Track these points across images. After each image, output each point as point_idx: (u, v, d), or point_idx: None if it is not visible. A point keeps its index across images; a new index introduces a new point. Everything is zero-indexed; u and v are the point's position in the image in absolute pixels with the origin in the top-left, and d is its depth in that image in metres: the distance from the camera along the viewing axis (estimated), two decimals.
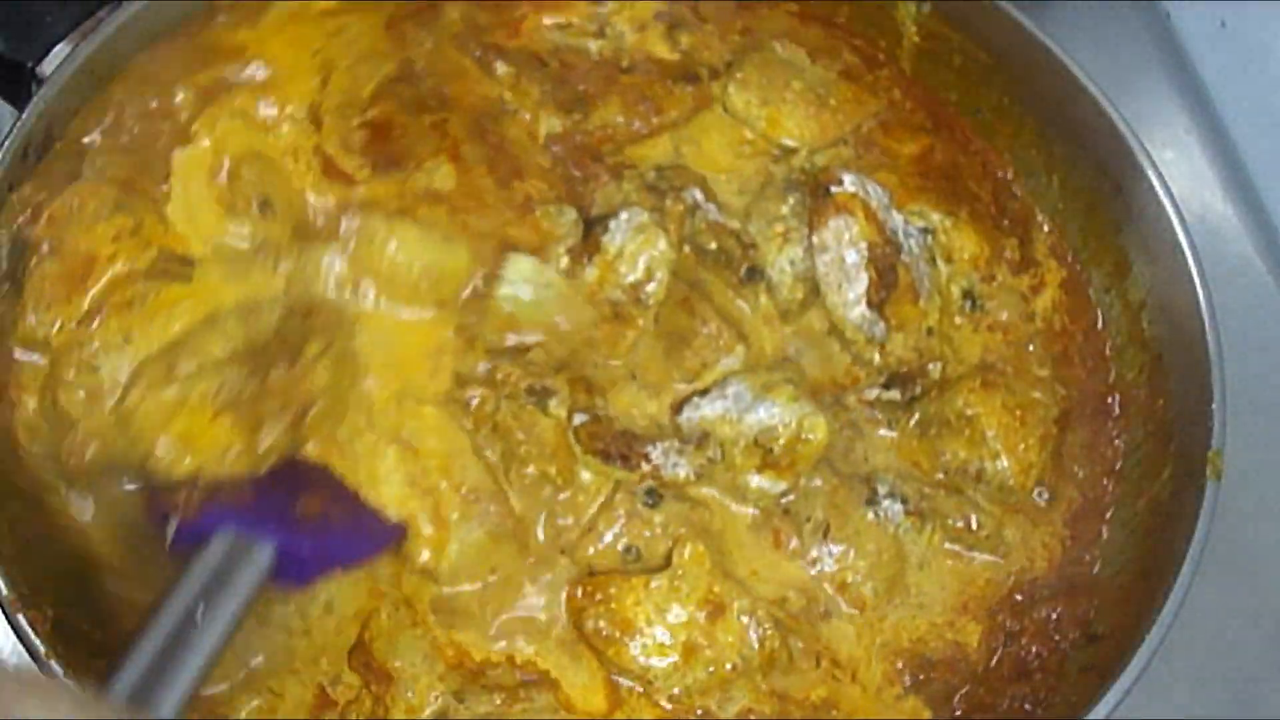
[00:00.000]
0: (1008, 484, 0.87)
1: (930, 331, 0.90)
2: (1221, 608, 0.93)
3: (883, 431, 0.88)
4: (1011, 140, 0.97)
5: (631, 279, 0.87)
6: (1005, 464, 0.87)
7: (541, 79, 0.94)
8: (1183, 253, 0.87)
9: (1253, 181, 1.11)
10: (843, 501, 0.85)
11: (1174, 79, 1.15)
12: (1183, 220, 0.88)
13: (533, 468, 0.83)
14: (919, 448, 0.88)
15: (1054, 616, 0.84)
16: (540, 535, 0.83)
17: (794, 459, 0.84)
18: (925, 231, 0.92)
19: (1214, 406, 0.83)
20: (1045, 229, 0.95)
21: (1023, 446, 0.87)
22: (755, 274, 0.90)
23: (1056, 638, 0.84)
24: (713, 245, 0.90)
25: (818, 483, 0.85)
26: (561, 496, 0.84)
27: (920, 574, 0.86)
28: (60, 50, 0.85)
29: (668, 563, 0.82)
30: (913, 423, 0.88)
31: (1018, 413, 0.87)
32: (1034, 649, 0.84)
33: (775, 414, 0.84)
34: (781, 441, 0.84)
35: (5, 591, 0.74)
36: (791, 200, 0.91)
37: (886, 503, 0.85)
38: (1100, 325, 0.93)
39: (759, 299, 0.90)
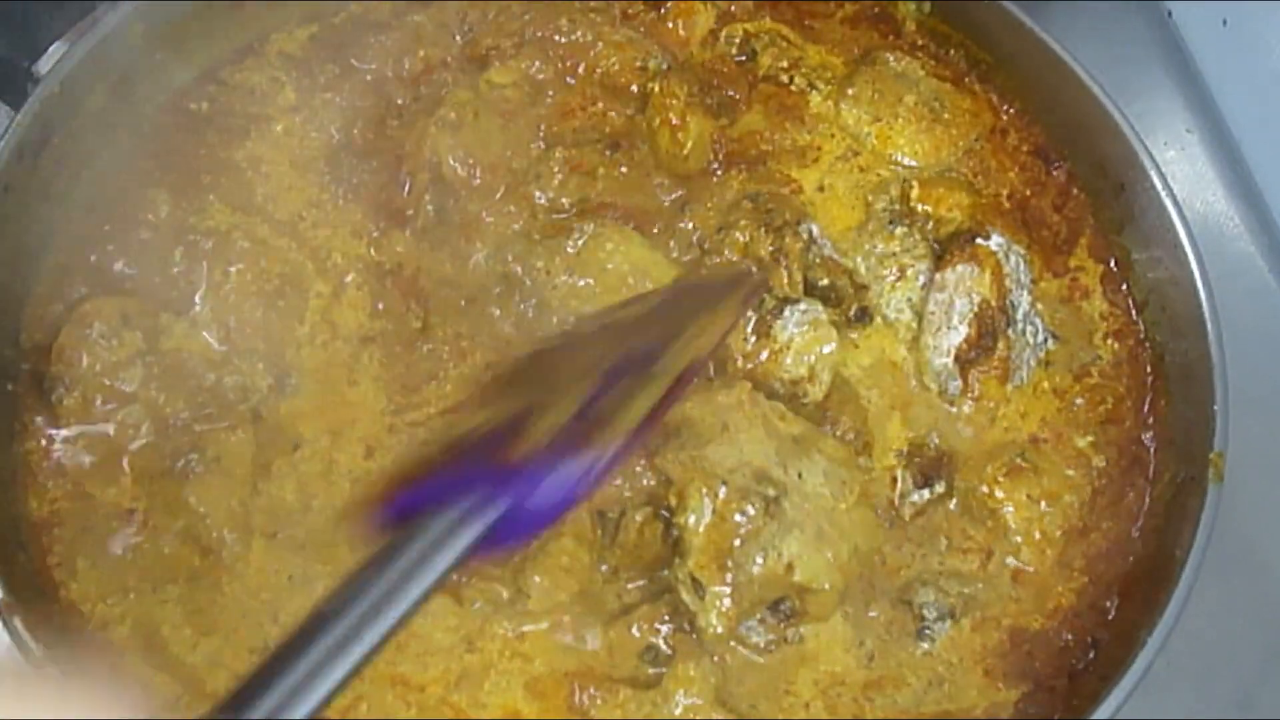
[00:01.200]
0: (1027, 570, 0.85)
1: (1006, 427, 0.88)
2: (1223, 609, 0.92)
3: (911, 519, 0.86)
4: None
5: (793, 375, 0.85)
6: (1026, 557, 0.85)
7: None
8: (1184, 252, 0.87)
9: (1254, 180, 1.10)
10: (890, 637, 0.83)
11: (1176, 78, 1.15)
12: (1184, 219, 0.87)
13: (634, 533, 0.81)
14: (947, 526, 0.86)
15: (1066, 636, 0.84)
16: (607, 595, 0.82)
17: (806, 606, 0.81)
18: (1051, 336, 0.89)
19: (1216, 408, 0.82)
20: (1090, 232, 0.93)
21: (1041, 538, 0.85)
22: (864, 315, 0.88)
23: (1061, 648, 0.83)
24: (824, 281, 0.88)
25: (873, 614, 0.83)
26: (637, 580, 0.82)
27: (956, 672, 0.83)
28: (56, 49, 0.85)
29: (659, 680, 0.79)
30: (937, 514, 0.86)
31: (1042, 504, 0.85)
32: (1041, 663, 0.83)
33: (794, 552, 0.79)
34: (794, 585, 0.80)
35: (1, 594, 0.74)
36: (899, 233, 0.90)
37: (937, 626, 0.82)
38: (1141, 336, 0.90)
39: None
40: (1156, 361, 0.89)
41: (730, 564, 0.78)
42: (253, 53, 0.93)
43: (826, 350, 0.85)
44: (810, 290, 0.88)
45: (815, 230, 0.90)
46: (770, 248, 0.87)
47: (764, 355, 0.85)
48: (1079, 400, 0.89)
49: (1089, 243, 0.92)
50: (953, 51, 0.96)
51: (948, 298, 0.87)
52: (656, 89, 0.93)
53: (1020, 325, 0.88)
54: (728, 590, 0.78)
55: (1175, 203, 0.88)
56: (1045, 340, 0.89)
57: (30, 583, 0.77)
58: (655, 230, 0.89)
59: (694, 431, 0.79)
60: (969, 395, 0.87)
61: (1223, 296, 0.85)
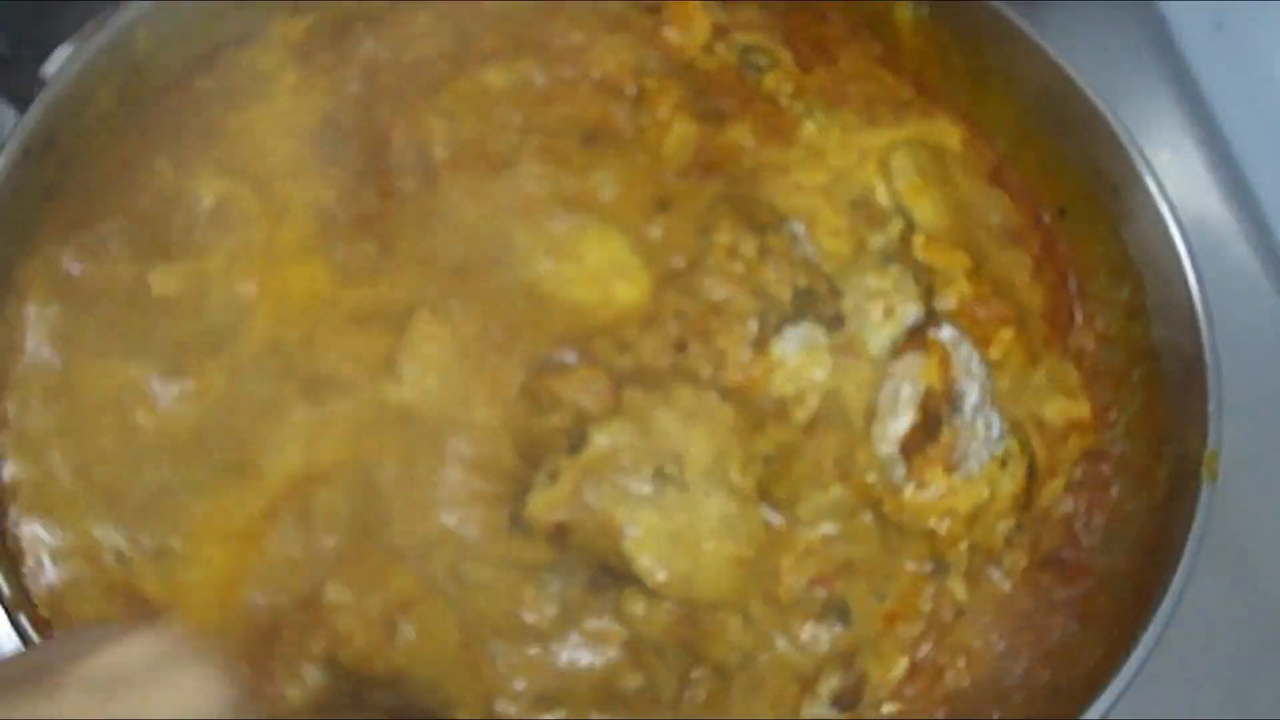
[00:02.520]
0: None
1: (963, 520, 0.86)
2: (1217, 608, 0.93)
3: None
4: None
5: (781, 393, 0.85)
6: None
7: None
8: (1179, 254, 0.87)
9: (1249, 183, 1.11)
10: None
11: (1170, 80, 1.15)
12: (1179, 222, 0.88)
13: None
14: None
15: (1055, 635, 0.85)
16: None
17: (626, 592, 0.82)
18: (1007, 436, 0.88)
19: (1210, 408, 0.83)
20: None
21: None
22: (837, 322, 0.88)
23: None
24: (803, 283, 0.88)
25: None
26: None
27: None
28: (62, 51, 0.85)
29: None
30: None
31: None
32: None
33: None
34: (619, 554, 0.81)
35: (6, 591, 0.74)
36: (894, 271, 0.89)
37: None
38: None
39: None
40: (1151, 361, 0.89)
41: (584, 484, 0.81)
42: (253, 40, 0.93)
43: (818, 376, 0.86)
44: (792, 291, 0.88)
45: (801, 230, 0.90)
46: (756, 247, 0.88)
47: (757, 370, 0.86)
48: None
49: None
50: (952, 58, 0.97)
51: (894, 387, 0.87)
52: (652, 85, 0.93)
53: (968, 415, 0.87)
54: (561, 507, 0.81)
55: (1170, 205, 0.88)
56: (1001, 438, 0.88)
57: None
58: (633, 229, 0.89)
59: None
60: (912, 480, 0.86)
61: (1217, 298, 0.86)
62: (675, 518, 0.81)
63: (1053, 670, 0.83)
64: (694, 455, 0.82)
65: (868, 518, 0.85)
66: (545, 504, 0.81)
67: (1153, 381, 0.89)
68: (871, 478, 0.86)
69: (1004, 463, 0.87)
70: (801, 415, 0.86)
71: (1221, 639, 0.96)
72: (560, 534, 0.81)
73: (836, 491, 0.85)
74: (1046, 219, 0.94)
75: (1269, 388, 1.01)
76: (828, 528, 0.84)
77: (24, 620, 0.73)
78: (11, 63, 0.86)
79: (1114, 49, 1.15)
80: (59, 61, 0.85)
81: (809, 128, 0.95)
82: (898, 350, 0.88)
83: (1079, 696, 0.78)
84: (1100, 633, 0.83)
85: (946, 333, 0.88)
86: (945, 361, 0.87)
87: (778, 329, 0.86)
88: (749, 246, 0.88)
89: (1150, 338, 0.90)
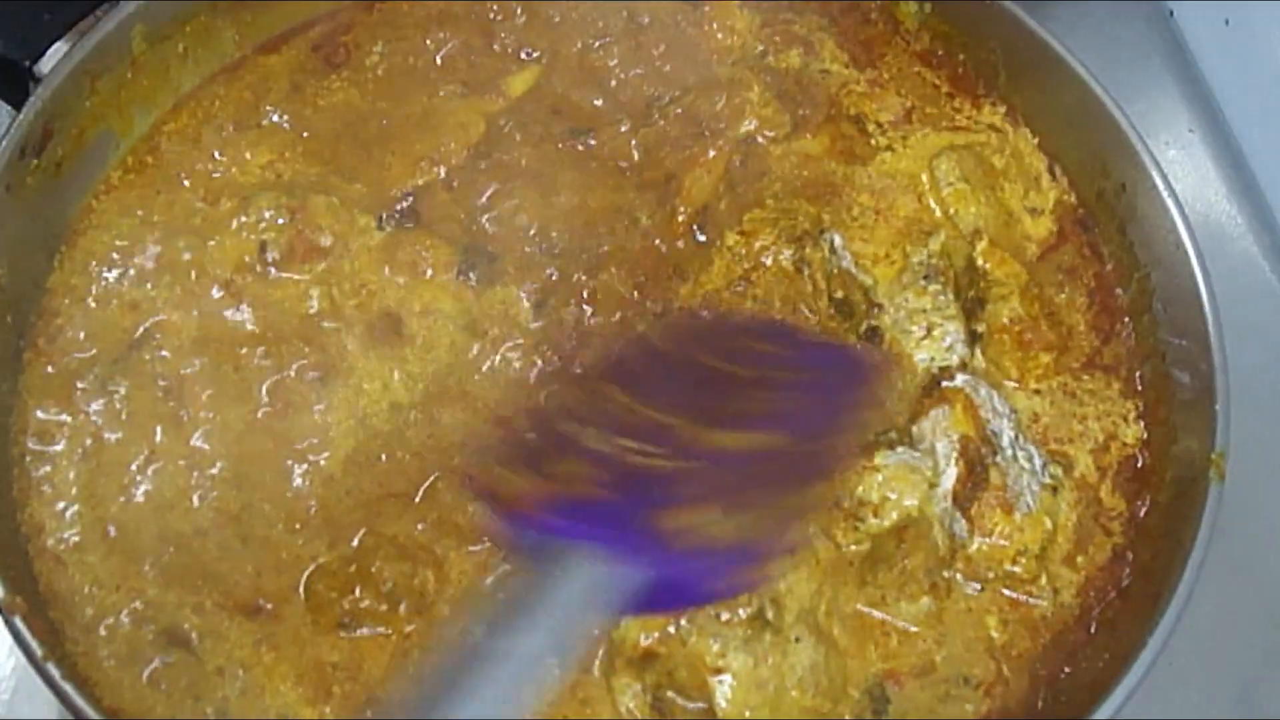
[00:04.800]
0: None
1: (1036, 556, 0.84)
2: (1225, 609, 0.93)
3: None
4: None
5: (864, 498, 0.83)
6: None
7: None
8: (1186, 251, 0.87)
9: (1256, 180, 1.10)
10: None
11: (1177, 77, 1.15)
12: (1186, 219, 0.87)
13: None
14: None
15: (1068, 637, 0.84)
16: None
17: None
18: (1051, 462, 0.87)
19: (1217, 407, 0.82)
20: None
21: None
22: (874, 334, 0.88)
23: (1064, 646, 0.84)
24: (840, 294, 0.88)
25: None
26: None
27: None
28: (57, 49, 0.85)
29: None
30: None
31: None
32: (1041, 662, 0.83)
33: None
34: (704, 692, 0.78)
35: (3, 594, 0.74)
36: (933, 290, 0.89)
37: None
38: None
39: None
40: (1158, 360, 0.89)
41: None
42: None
43: (908, 501, 0.83)
44: (827, 302, 0.88)
45: (838, 241, 0.89)
46: (793, 257, 0.87)
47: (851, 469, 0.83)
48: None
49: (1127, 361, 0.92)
50: (961, 56, 0.96)
51: (929, 445, 0.85)
52: (740, 75, 0.94)
53: (1009, 452, 0.86)
54: (655, 633, 0.77)
55: (1177, 202, 0.88)
56: (1045, 467, 0.87)
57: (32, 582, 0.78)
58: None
59: None
60: (978, 533, 0.84)
61: (1224, 296, 0.85)
62: (765, 662, 0.78)
63: (1061, 671, 0.83)
64: (793, 595, 0.79)
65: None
66: (640, 628, 0.78)
67: (1159, 380, 0.88)
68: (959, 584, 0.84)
69: (1055, 490, 0.86)
70: (876, 524, 0.83)
71: (1230, 639, 0.96)
72: (646, 660, 0.78)
73: (925, 602, 0.83)
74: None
75: (1277, 387, 1.01)
76: (915, 628, 0.83)
77: (19, 624, 0.73)
78: (7, 61, 0.86)
79: (1121, 46, 1.14)
80: (54, 59, 0.85)
81: (885, 158, 0.94)
82: (917, 414, 0.86)
83: (1088, 697, 0.77)
84: (1108, 634, 0.82)
85: (960, 379, 0.87)
86: (970, 405, 0.86)
87: (890, 444, 0.85)
88: (785, 257, 0.87)
89: (1156, 336, 0.89)
